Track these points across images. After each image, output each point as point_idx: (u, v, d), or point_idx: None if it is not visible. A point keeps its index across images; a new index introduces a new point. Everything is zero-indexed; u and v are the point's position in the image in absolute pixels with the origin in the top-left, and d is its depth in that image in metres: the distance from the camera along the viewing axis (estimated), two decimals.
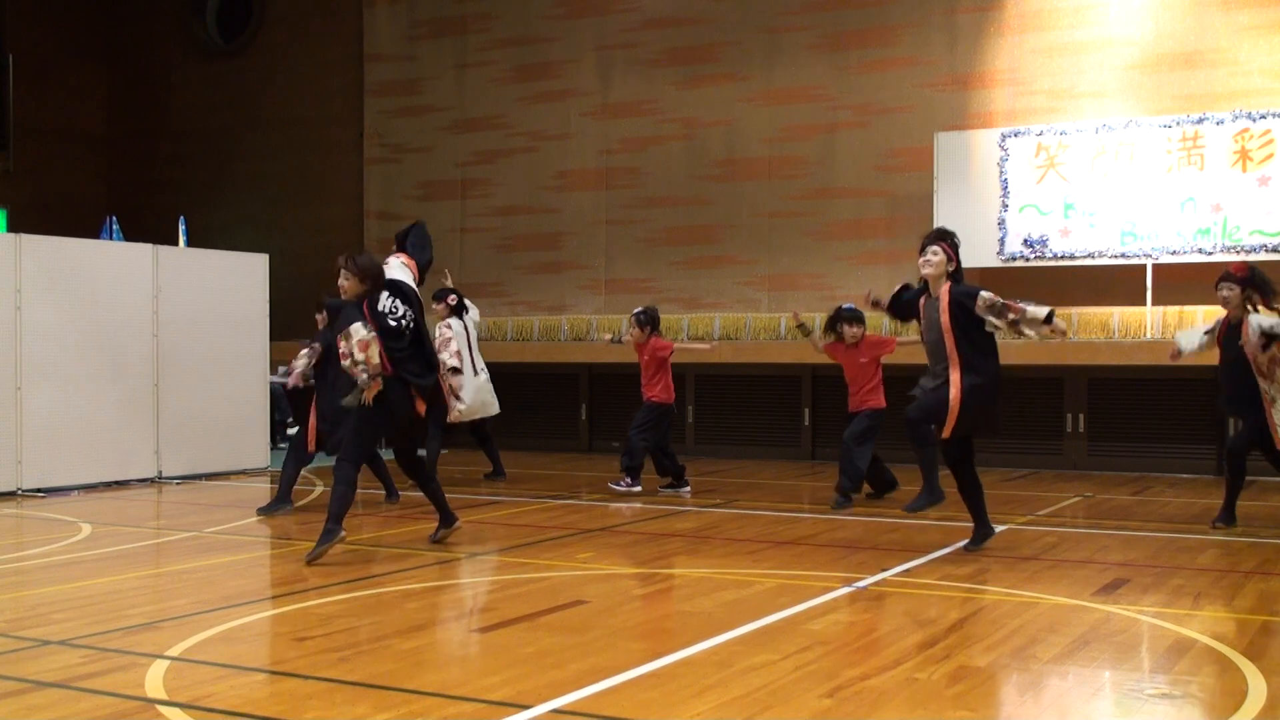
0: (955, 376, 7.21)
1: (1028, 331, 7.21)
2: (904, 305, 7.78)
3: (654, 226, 14.73)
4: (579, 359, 14.47)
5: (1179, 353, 8.99)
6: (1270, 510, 9.54)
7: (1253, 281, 8.35)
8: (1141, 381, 12.33)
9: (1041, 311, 7.12)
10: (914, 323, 7.99)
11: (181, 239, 12.63)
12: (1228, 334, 8.51)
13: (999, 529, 8.55)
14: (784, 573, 6.93)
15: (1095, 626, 5.62)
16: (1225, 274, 8.51)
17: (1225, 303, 8.47)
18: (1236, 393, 8.47)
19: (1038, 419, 12.73)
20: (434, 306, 11.06)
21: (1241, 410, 8.59)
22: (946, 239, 7.45)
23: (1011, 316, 7.14)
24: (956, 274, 7.40)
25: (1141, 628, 5.67)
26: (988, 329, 7.26)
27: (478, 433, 11.63)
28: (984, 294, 7.22)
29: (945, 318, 7.27)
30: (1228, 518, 8.64)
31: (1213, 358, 8.89)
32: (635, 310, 10.77)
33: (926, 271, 7.40)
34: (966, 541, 7.65)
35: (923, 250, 7.42)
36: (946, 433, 7.30)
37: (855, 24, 13.76)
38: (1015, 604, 6.10)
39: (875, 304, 7.95)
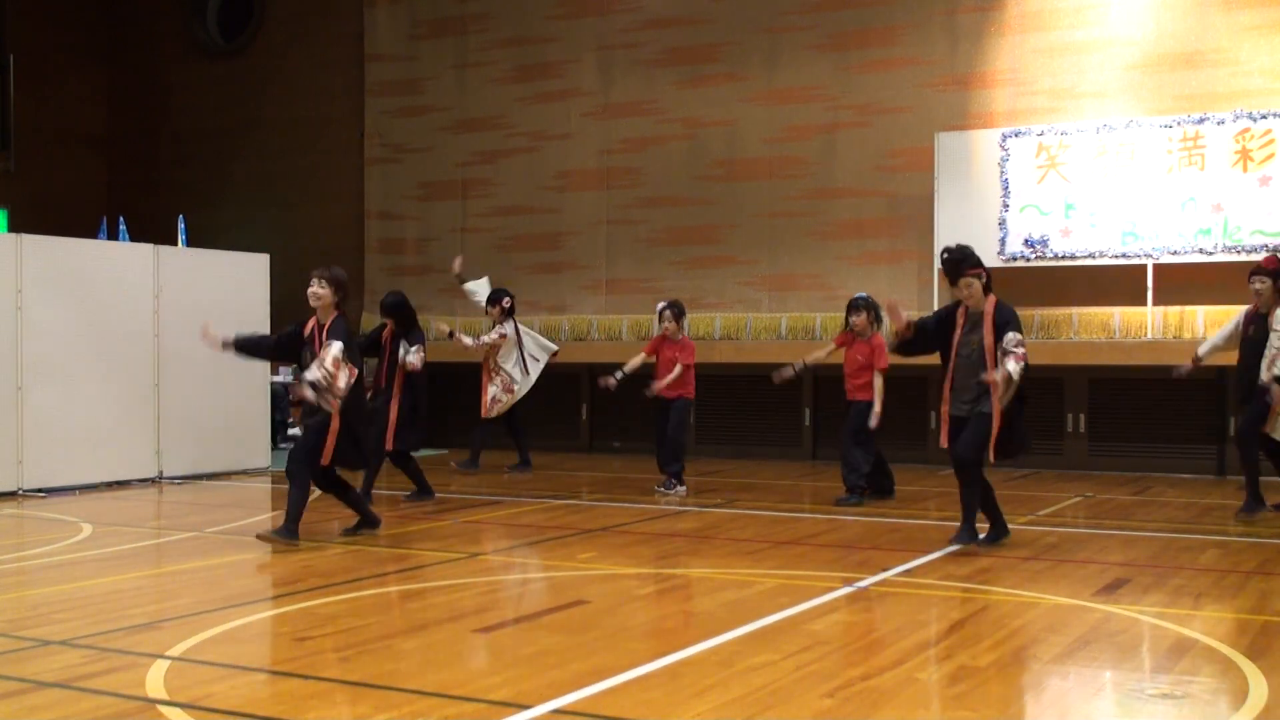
0: (994, 397, 7.23)
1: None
2: (928, 337, 7.63)
3: (654, 226, 14.72)
4: (579, 359, 14.45)
5: (1199, 359, 9.39)
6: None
7: None
8: (1142, 381, 12.32)
9: (1015, 371, 7.16)
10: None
11: (180, 238, 12.62)
12: (1256, 321, 8.87)
13: None
14: (784, 573, 6.93)
15: (1096, 626, 5.62)
16: (1257, 268, 8.98)
17: (1257, 295, 8.89)
18: (1255, 375, 8.69)
19: (1038, 419, 12.64)
20: (487, 310, 12.31)
21: (1254, 392, 8.76)
22: (973, 264, 7.42)
23: (1010, 366, 7.17)
24: (989, 285, 7.46)
25: (1142, 628, 5.67)
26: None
27: (510, 423, 12.49)
28: (1012, 334, 7.23)
29: (989, 337, 7.32)
30: (1253, 505, 8.90)
31: (1219, 359, 9.50)
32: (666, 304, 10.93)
33: (970, 304, 7.43)
34: (983, 538, 7.66)
35: (954, 283, 7.43)
36: (994, 456, 7.35)
37: (856, 24, 13.75)
38: (1016, 604, 6.10)
39: (902, 330, 7.56)
